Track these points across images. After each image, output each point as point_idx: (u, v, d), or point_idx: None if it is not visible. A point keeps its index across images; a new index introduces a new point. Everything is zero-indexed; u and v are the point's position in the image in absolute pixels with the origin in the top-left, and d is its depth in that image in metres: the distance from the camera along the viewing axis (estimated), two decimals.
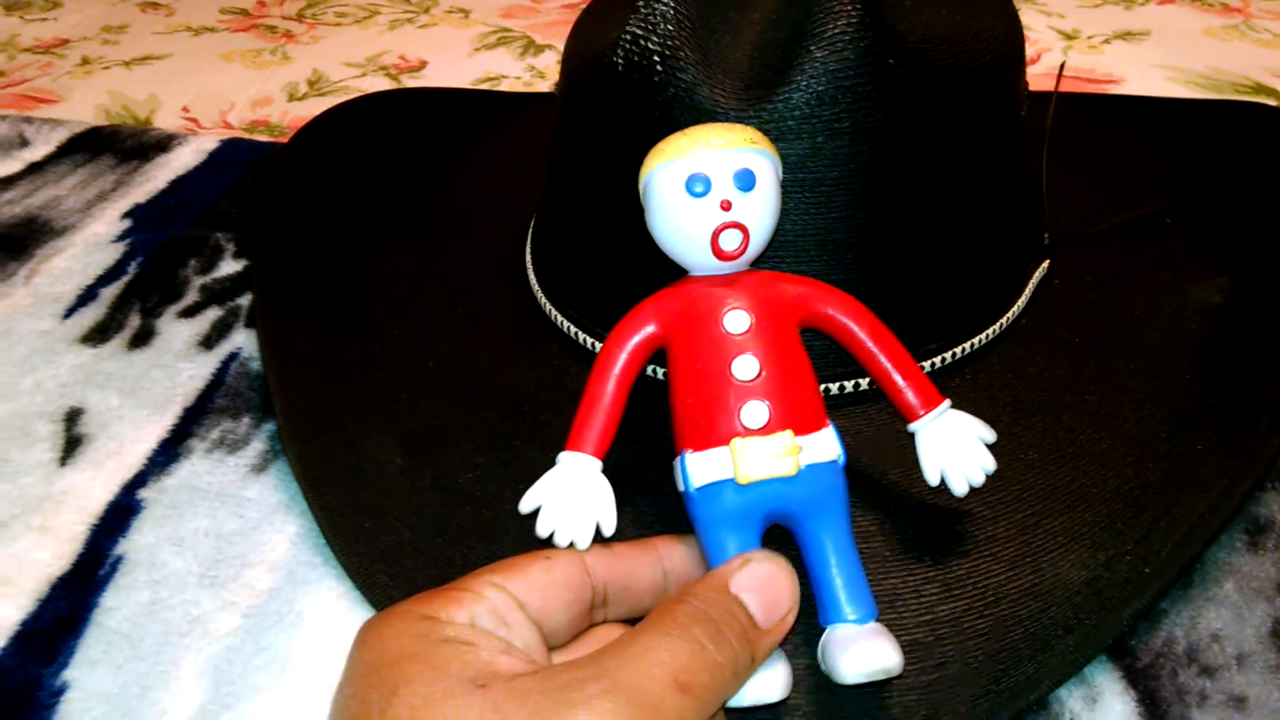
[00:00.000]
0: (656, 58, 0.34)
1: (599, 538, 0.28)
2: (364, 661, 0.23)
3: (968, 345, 0.39)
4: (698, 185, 0.29)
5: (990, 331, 0.39)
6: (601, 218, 0.39)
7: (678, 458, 0.29)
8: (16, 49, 0.77)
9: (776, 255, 0.34)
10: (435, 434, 0.38)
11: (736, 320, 0.29)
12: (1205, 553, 0.33)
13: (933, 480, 0.31)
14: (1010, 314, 0.40)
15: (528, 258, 0.45)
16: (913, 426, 0.31)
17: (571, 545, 0.27)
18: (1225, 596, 0.32)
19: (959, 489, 0.30)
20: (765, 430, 0.28)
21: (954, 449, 0.30)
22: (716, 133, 0.29)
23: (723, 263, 0.30)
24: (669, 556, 0.29)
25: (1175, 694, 0.29)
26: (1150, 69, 0.66)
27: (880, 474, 0.35)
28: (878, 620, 0.28)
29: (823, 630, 0.28)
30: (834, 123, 0.33)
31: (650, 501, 0.34)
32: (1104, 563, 0.31)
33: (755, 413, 0.28)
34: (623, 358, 0.30)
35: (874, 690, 0.29)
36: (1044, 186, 0.43)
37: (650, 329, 0.30)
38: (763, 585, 0.26)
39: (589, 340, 0.40)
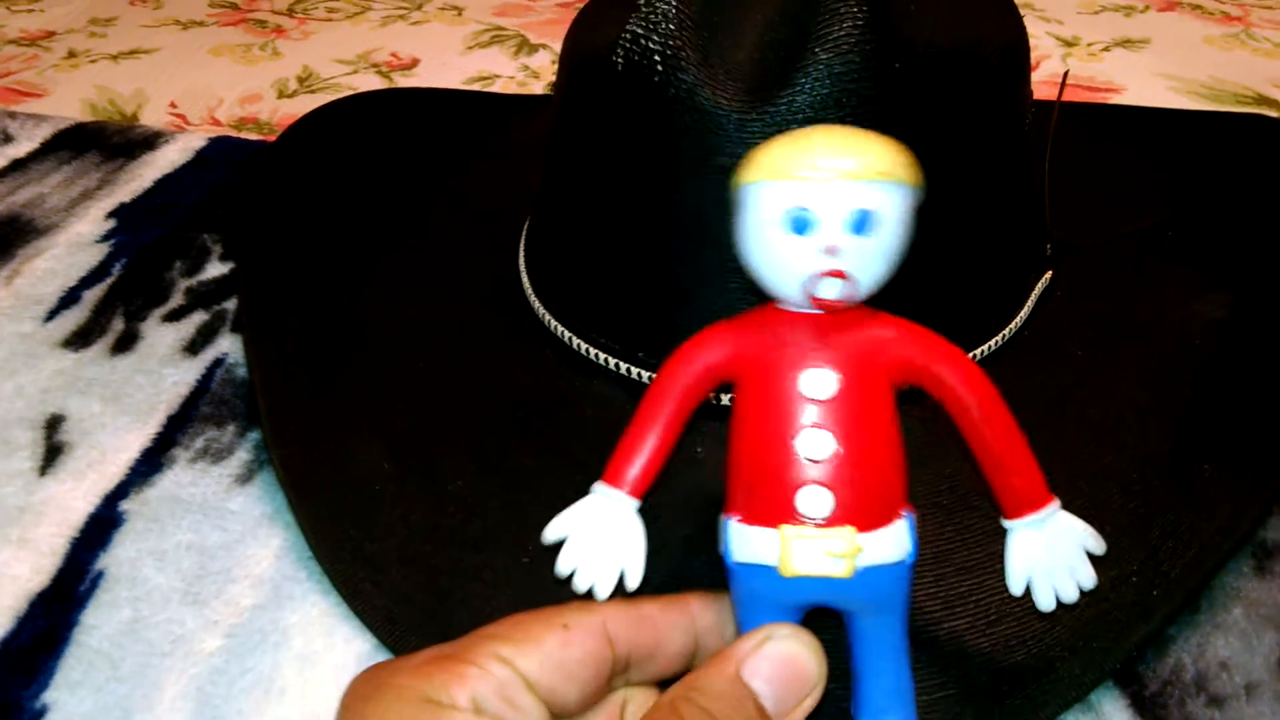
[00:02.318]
0: (657, 58, 0.33)
1: (620, 589, 0.26)
2: None
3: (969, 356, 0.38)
4: (801, 221, 0.23)
5: (992, 343, 0.38)
6: (599, 222, 0.38)
7: (725, 518, 0.26)
8: (2, 41, 0.76)
9: None
10: (424, 439, 0.37)
11: (818, 382, 0.24)
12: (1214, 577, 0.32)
13: (1016, 589, 0.26)
14: (1012, 326, 0.39)
15: (521, 261, 0.44)
16: (1010, 524, 0.26)
17: (590, 592, 0.25)
18: (1234, 623, 0.31)
19: (1045, 603, 0.26)
20: (826, 523, 0.24)
21: (1050, 557, 0.26)
22: (839, 151, 0.23)
23: (817, 309, 0.25)
24: (701, 617, 0.26)
25: None
26: (1151, 78, 0.66)
27: None
28: None
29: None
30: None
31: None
32: (1109, 583, 0.31)
33: (816, 501, 0.24)
34: (682, 385, 0.26)
35: None
36: (1046, 196, 0.42)
37: (721, 356, 0.26)
38: (779, 670, 0.23)
39: (584, 346, 0.39)
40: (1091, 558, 0.31)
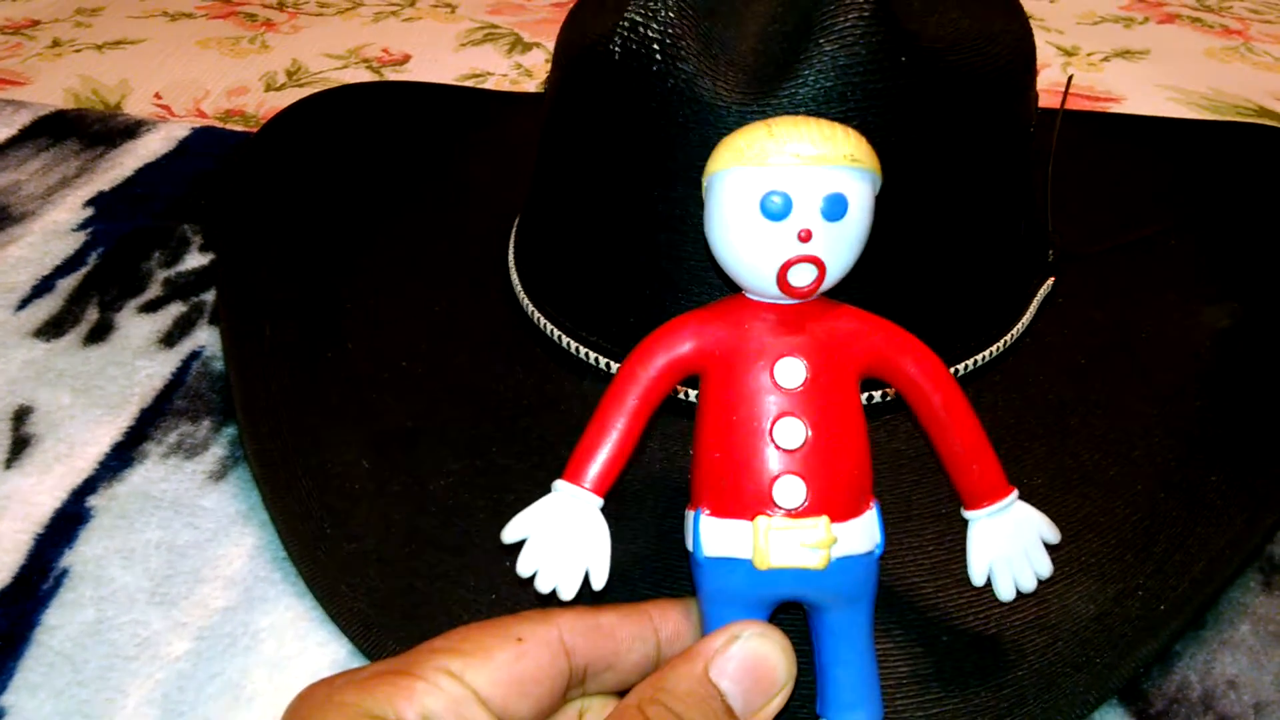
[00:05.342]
0: (656, 46, 0.32)
1: (586, 588, 0.25)
2: None
3: (970, 362, 0.37)
4: (776, 206, 0.23)
5: (994, 349, 0.38)
6: (592, 216, 0.37)
7: (691, 512, 0.25)
8: None
9: None
10: (407, 437, 0.36)
11: (790, 371, 0.24)
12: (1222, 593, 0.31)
13: (978, 579, 0.26)
14: (1014, 331, 0.38)
15: (510, 257, 0.43)
16: (970, 515, 0.26)
17: (554, 592, 0.24)
18: (1241, 640, 0.30)
19: (1005, 593, 0.26)
20: (799, 513, 0.24)
21: (1010, 547, 0.26)
22: (812, 139, 0.23)
23: (788, 297, 0.25)
24: (664, 625, 0.25)
25: None
26: (1151, 88, 0.65)
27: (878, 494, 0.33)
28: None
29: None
30: (841, 120, 0.31)
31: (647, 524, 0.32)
32: (1114, 597, 0.30)
33: (791, 490, 0.24)
34: (646, 379, 0.25)
35: None
36: (1049, 201, 0.41)
37: (686, 350, 0.25)
38: (748, 670, 0.23)
39: (572, 344, 0.38)
40: (1090, 568, 0.31)
